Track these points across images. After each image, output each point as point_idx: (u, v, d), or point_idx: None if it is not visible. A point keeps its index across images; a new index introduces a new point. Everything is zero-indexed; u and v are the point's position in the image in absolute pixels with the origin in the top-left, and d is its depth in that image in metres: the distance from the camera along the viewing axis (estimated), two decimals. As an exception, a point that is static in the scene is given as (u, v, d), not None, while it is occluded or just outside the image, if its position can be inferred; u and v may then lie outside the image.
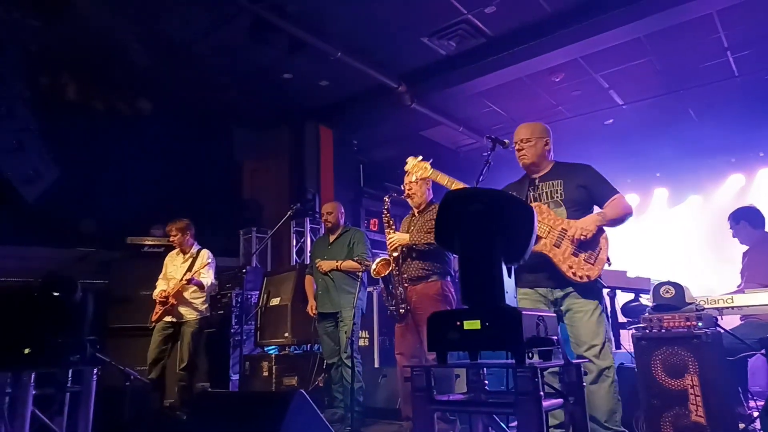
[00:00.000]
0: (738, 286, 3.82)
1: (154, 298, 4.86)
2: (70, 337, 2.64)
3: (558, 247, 2.83)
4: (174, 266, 5.03)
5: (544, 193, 3.04)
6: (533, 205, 2.92)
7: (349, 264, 4.44)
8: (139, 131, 6.64)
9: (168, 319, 4.81)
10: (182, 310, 4.83)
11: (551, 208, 2.96)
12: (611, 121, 7.57)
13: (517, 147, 3.10)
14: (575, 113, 7.38)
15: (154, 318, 4.81)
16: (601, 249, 2.84)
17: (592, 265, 2.81)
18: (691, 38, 5.68)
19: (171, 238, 5.02)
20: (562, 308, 2.90)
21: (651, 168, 7.85)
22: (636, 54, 5.97)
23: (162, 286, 4.93)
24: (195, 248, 5.08)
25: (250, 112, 7.45)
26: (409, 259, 3.83)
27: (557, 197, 2.99)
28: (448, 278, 3.83)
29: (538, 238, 2.84)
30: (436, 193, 4.00)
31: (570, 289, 2.87)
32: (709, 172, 7.40)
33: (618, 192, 2.97)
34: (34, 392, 2.53)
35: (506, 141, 3.19)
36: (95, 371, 2.66)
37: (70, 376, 2.74)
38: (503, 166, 3.30)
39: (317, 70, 6.33)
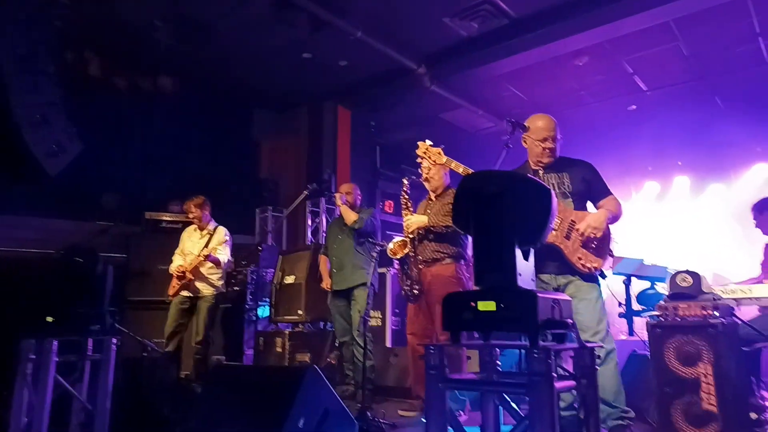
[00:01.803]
0: (758, 277, 3.76)
1: (170, 272, 4.94)
2: (91, 307, 2.71)
3: (568, 239, 2.91)
4: (191, 242, 5.10)
5: (551, 185, 3.04)
6: None
7: (349, 212, 4.52)
8: (160, 109, 6.70)
9: (185, 293, 4.90)
10: (199, 285, 4.91)
11: (559, 199, 2.98)
12: (634, 107, 7.43)
13: (547, 144, 3.05)
14: (598, 98, 7.24)
15: (171, 292, 4.89)
16: (607, 241, 2.94)
17: (599, 256, 2.92)
18: (722, 23, 5.52)
19: (189, 215, 5.08)
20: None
21: (673, 156, 7.70)
22: (663, 39, 5.82)
23: (178, 261, 5.00)
24: (212, 225, 5.13)
25: (269, 91, 7.45)
26: (425, 242, 3.85)
27: (565, 189, 3.04)
28: (462, 262, 3.84)
29: None
30: (454, 180, 4.00)
31: (574, 277, 2.95)
32: (732, 161, 7.24)
33: (612, 192, 3.08)
34: (56, 359, 2.61)
35: (526, 124, 3.17)
36: (114, 341, 2.73)
37: (91, 345, 2.81)
38: (522, 149, 3.26)
39: (337, 50, 6.29)
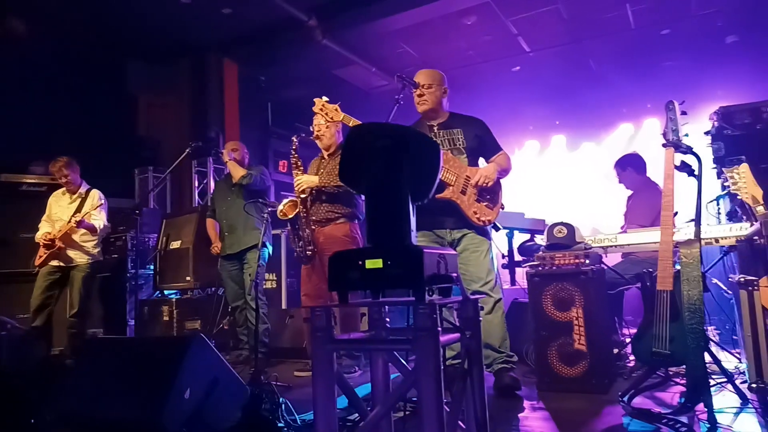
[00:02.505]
0: (621, 227, 4.14)
1: (37, 241, 4.45)
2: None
3: (464, 194, 3.02)
4: (60, 207, 4.61)
5: (446, 140, 3.15)
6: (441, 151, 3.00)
7: (237, 168, 4.37)
8: (16, 57, 5.85)
9: (55, 263, 4.46)
10: (71, 253, 4.48)
11: (453, 154, 3.09)
12: (518, 68, 7.74)
13: (417, 92, 3.14)
14: (485, 59, 7.45)
15: (37, 262, 4.43)
16: (498, 195, 3.12)
17: (492, 209, 3.07)
18: (596, -12, 5.85)
19: (61, 180, 4.60)
20: (458, 248, 3.08)
21: (551, 116, 8.19)
22: (544, 1, 6.07)
23: (46, 228, 4.52)
24: (84, 188, 4.68)
25: (144, 40, 6.78)
26: (318, 202, 3.80)
27: (459, 145, 3.14)
28: (357, 221, 3.85)
29: (446, 185, 2.99)
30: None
31: (467, 230, 3.09)
32: (602, 121, 7.85)
33: (502, 149, 3.23)
34: None
35: (417, 81, 3.17)
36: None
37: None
38: (413, 106, 3.27)
39: (218, -4, 5.85)
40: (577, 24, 6.63)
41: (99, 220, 4.53)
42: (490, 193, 3.07)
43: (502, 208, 3.17)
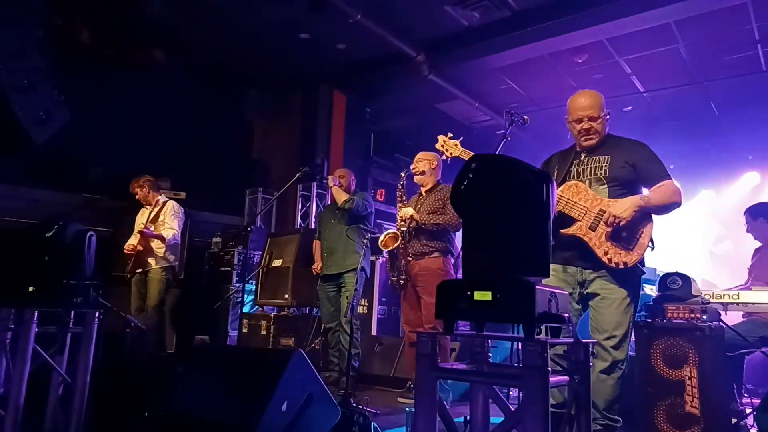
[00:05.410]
0: (745, 283, 3.78)
1: (124, 250, 4.93)
2: (74, 279, 2.64)
3: (593, 231, 2.60)
4: (143, 218, 5.15)
5: (588, 169, 2.77)
6: (572, 182, 2.74)
7: (340, 193, 4.48)
8: (151, 82, 6.56)
9: (140, 269, 4.93)
10: (149, 259, 4.92)
11: (593, 185, 2.71)
12: (630, 108, 7.43)
13: (582, 126, 2.74)
14: (594, 97, 7.23)
15: (129, 269, 4.92)
16: (642, 233, 2.61)
17: (631, 251, 2.58)
18: (722, 28, 5.53)
19: (136, 196, 5.13)
20: (589, 290, 2.69)
21: (665, 159, 7.57)
22: (663, 40, 5.83)
23: (132, 240, 5.02)
24: (161, 199, 5.18)
25: (264, 71, 7.33)
26: (415, 236, 3.87)
27: (600, 174, 2.72)
28: (450, 256, 3.87)
29: (574, 220, 2.65)
30: (445, 176, 4.02)
31: (603, 272, 2.64)
32: (724, 168, 7.29)
33: (670, 177, 2.71)
34: (36, 330, 2.54)
35: (526, 117, 3.14)
36: (97, 314, 2.66)
37: (72, 317, 2.74)
38: (517, 141, 3.25)
39: (335, 33, 6.20)
40: (699, 65, 6.28)
41: (170, 228, 4.93)
42: (626, 231, 2.57)
43: (651, 248, 2.63)
